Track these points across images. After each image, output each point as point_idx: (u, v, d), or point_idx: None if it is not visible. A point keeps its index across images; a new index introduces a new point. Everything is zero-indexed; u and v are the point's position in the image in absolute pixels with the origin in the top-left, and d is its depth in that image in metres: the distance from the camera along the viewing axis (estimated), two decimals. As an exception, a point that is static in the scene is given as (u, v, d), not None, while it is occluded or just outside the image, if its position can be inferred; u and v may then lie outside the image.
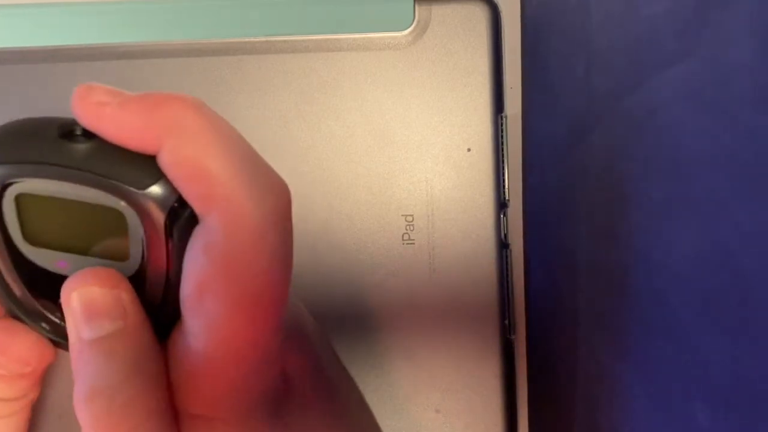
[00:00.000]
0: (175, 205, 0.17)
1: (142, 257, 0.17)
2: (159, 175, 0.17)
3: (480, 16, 0.27)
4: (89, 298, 0.17)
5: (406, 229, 0.28)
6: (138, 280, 0.18)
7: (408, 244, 0.28)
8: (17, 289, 0.18)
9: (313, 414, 0.19)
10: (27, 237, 0.17)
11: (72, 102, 0.17)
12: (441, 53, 0.27)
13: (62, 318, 0.18)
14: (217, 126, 0.17)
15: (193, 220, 0.17)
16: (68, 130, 0.17)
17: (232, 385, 0.17)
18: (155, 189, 0.17)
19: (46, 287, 0.18)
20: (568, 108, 0.26)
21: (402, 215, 0.28)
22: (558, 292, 0.28)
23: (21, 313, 0.18)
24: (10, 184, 0.17)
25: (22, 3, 0.29)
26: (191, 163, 0.16)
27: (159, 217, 0.17)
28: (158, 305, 0.18)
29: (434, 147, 0.27)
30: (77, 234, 0.18)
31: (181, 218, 0.17)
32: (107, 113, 0.16)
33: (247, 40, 0.27)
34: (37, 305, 0.18)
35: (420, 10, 0.27)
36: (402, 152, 0.27)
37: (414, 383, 0.28)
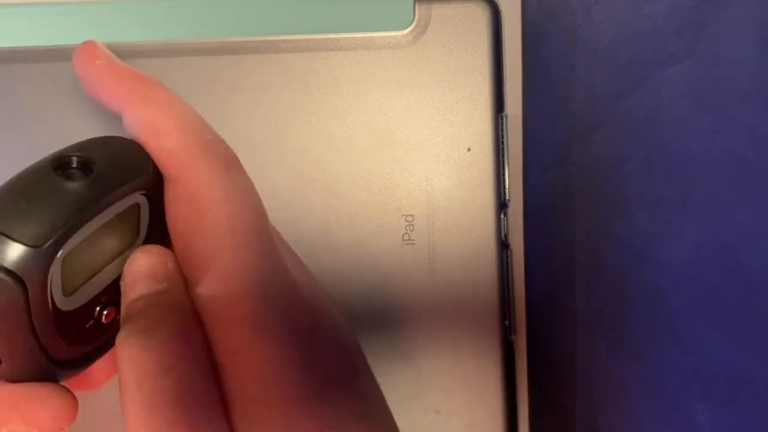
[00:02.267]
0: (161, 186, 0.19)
1: (147, 234, 0.19)
2: (150, 166, 0.19)
3: (480, 15, 0.27)
4: (148, 263, 0.19)
5: (406, 229, 0.27)
6: None
7: (408, 244, 0.27)
8: (56, 346, 0.18)
9: (346, 418, 0.19)
10: (65, 290, 0.18)
11: (76, 50, 0.20)
12: (441, 53, 0.27)
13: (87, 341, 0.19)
14: (176, 101, 0.20)
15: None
16: (63, 164, 0.17)
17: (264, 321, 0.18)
18: (155, 174, 0.19)
19: (78, 321, 0.18)
20: (568, 108, 0.26)
21: (402, 215, 0.27)
22: (558, 292, 0.27)
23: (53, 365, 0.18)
24: (56, 252, 0.17)
25: (22, 3, 0.29)
26: (151, 122, 0.19)
27: (159, 196, 0.19)
28: None
29: (434, 147, 0.27)
30: (104, 251, 0.19)
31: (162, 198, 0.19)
32: (96, 65, 0.20)
33: (247, 39, 0.27)
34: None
35: (420, 10, 0.27)
36: (402, 152, 0.27)
37: (414, 383, 0.28)
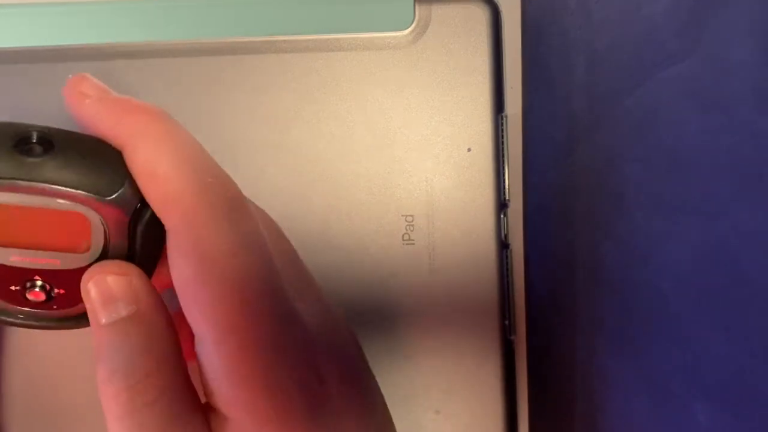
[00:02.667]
0: (138, 206, 0.18)
1: (104, 249, 0.19)
2: (122, 181, 0.18)
3: (480, 16, 0.27)
4: (104, 287, 0.18)
5: (406, 229, 0.27)
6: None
7: (408, 244, 0.27)
8: None
9: (348, 418, 0.19)
10: None
11: (64, 88, 0.19)
12: (441, 53, 0.27)
13: (18, 304, 0.19)
14: (176, 136, 0.18)
15: (155, 221, 0.18)
16: (24, 137, 0.18)
17: (256, 382, 0.18)
18: (118, 195, 0.18)
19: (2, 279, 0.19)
20: (568, 108, 0.26)
21: (402, 215, 0.27)
22: (558, 292, 0.27)
23: None
24: None
25: (22, 3, 0.29)
26: (148, 165, 0.18)
27: (123, 220, 0.18)
28: None
29: (434, 147, 0.27)
30: (36, 233, 0.18)
31: (143, 217, 0.19)
32: (86, 104, 0.19)
33: (247, 40, 0.27)
34: None
35: (420, 10, 0.27)
36: (402, 152, 0.27)
37: (414, 383, 0.28)
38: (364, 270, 0.28)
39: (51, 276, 0.19)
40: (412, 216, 0.27)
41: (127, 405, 0.17)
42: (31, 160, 0.17)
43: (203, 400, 0.19)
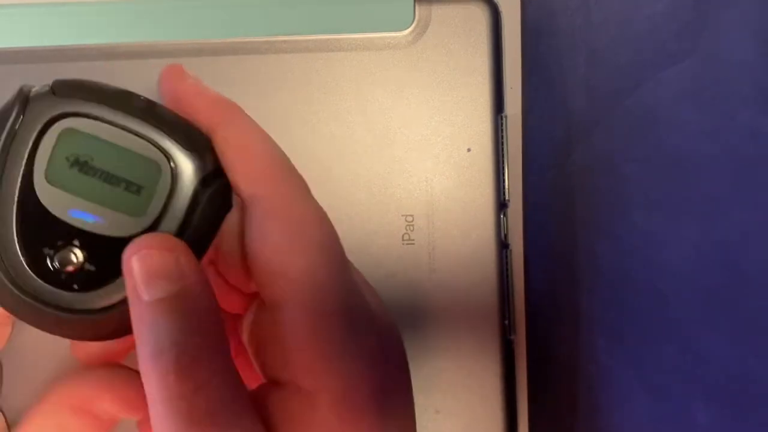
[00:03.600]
0: (209, 175, 0.19)
1: (158, 217, 0.19)
2: (203, 148, 0.19)
3: (480, 16, 0.27)
4: (148, 262, 0.18)
5: (406, 229, 0.27)
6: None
7: (408, 244, 0.27)
8: (7, 223, 0.18)
9: (402, 411, 0.20)
10: (49, 174, 0.18)
11: (162, 70, 0.21)
12: (441, 53, 0.27)
13: (38, 274, 0.18)
14: (260, 128, 0.20)
15: (222, 195, 0.19)
16: (131, 93, 0.19)
17: (336, 349, 0.18)
18: (199, 155, 0.19)
19: (36, 232, 0.18)
20: (568, 108, 0.26)
21: (402, 215, 0.27)
22: (558, 292, 0.28)
23: None
24: (62, 117, 0.18)
25: (22, 3, 0.29)
26: (242, 140, 0.19)
27: (195, 179, 0.19)
28: None
29: (434, 147, 0.27)
30: (100, 183, 0.18)
31: (210, 187, 0.19)
32: (188, 84, 0.20)
33: (247, 40, 0.27)
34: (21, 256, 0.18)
35: (420, 10, 0.27)
36: (402, 152, 0.27)
37: (414, 383, 0.28)
38: (364, 270, 0.27)
39: (88, 244, 0.18)
40: (412, 216, 0.27)
41: (175, 388, 0.17)
42: (137, 101, 0.19)
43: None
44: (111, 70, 0.27)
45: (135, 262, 0.18)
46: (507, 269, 0.28)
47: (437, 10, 0.27)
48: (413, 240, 0.27)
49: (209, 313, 0.18)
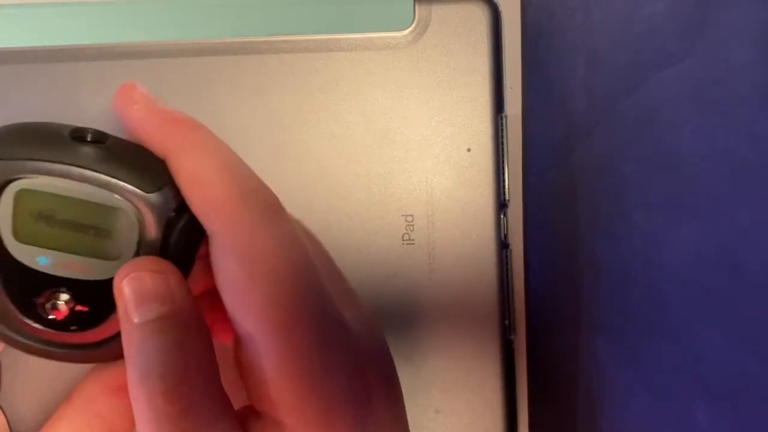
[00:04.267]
0: (173, 213, 0.19)
1: (135, 256, 0.19)
2: (162, 183, 0.19)
3: (480, 16, 0.27)
4: (139, 284, 0.18)
5: (406, 229, 0.28)
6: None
7: (408, 244, 0.27)
8: None
9: (388, 430, 0.20)
10: (16, 234, 0.18)
11: (115, 92, 0.20)
12: (441, 53, 0.27)
13: (37, 321, 0.19)
14: (217, 146, 0.19)
15: (191, 226, 0.19)
16: (79, 135, 0.18)
17: (306, 384, 0.18)
18: (159, 194, 0.19)
19: (22, 287, 0.19)
20: (568, 108, 0.26)
21: (402, 215, 0.27)
22: (558, 292, 0.28)
23: None
24: (13, 180, 0.18)
25: (22, 3, 0.29)
26: (193, 171, 0.18)
27: (160, 218, 0.19)
28: None
29: (434, 147, 0.27)
30: (69, 233, 0.18)
31: (178, 223, 0.19)
32: (134, 110, 0.19)
33: (247, 40, 0.27)
34: (11, 306, 0.19)
35: (420, 10, 0.27)
36: (402, 152, 0.27)
37: (414, 383, 0.28)
38: (364, 270, 0.28)
39: (75, 289, 0.19)
40: (412, 216, 0.27)
41: (162, 409, 0.17)
42: (84, 148, 0.18)
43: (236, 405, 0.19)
44: (111, 70, 0.27)
45: (126, 284, 0.18)
46: (507, 269, 0.28)
47: (437, 10, 0.27)
48: (413, 240, 0.27)
49: (198, 334, 0.18)
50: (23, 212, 0.18)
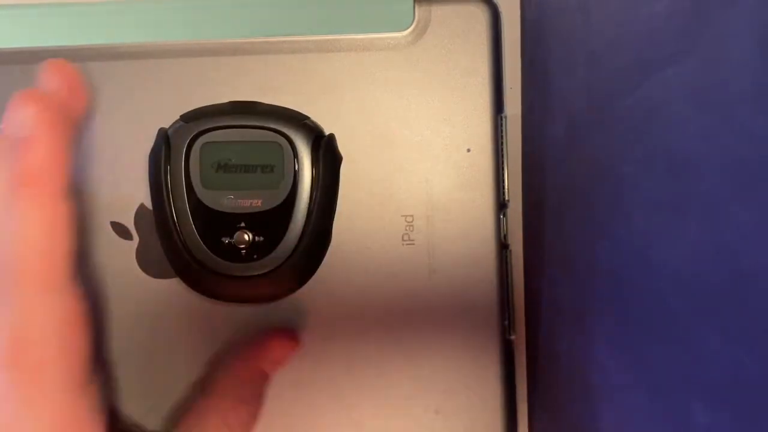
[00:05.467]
0: (317, 137, 0.25)
1: (294, 181, 0.24)
2: (303, 119, 0.26)
3: (480, 16, 0.27)
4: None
5: (406, 230, 0.28)
6: (288, 206, 0.24)
7: (408, 244, 0.28)
8: (189, 228, 0.24)
9: None
10: (204, 182, 0.24)
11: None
12: (441, 53, 0.27)
13: (226, 258, 0.25)
14: None
15: (330, 147, 0.26)
16: (236, 102, 0.26)
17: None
18: (302, 126, 0.25)
19: (213, 228, 0.24)
20: (568, 108, 0.26)
21: (402, 215, 0.28)
22: (558, 292, 0.28)
23: (185, 254, 0.25)
24: (198, 137, 0.25)
25: (22, 3, 0.29)
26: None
27: (307, 143, 0.25)
28: (305, 230, 0.25)
29: (434, 147, 0.28)
30: (243, 174, 0.24)
31: (320, 145, 0.25)
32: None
33: (247, 40, 0.27)
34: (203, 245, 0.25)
35: (420, 11, 0.27)
36: (402, 152, 0.27)
37: (414, 383, 0.28)
38: (364, 270, 0.28)
39: (253, 222, 0.24)
40: (412, 216, 0.28)
41: None
42: (245, 108, 0.26)
43: None
44: (111, 70, 0.27)
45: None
46: (507, 269, 0.28)
47: (437, 11, 0.27)
48: (413, 240, 0.27)
49: None
50: (207, 162, 0.24)
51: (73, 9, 0.28)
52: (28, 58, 0.27)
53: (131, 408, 0.28)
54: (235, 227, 0.24)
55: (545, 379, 0.29)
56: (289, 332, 0.27)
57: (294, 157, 0.24)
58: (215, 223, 0.24)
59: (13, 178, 0.20)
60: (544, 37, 0.28)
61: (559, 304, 0.27)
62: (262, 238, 0.24)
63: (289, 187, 0.24)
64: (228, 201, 0.24)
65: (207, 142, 0.24)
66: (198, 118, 0.25)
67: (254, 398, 0.26)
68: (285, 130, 0.25)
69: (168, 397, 0.27)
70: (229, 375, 0.26)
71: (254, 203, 0.24)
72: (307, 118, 0.26)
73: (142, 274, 0.27)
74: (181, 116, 0.25)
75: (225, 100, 0.27)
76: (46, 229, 0.20)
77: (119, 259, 0.27)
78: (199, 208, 0.24)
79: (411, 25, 0.27)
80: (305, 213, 0.24)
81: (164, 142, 0.25)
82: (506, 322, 0.28)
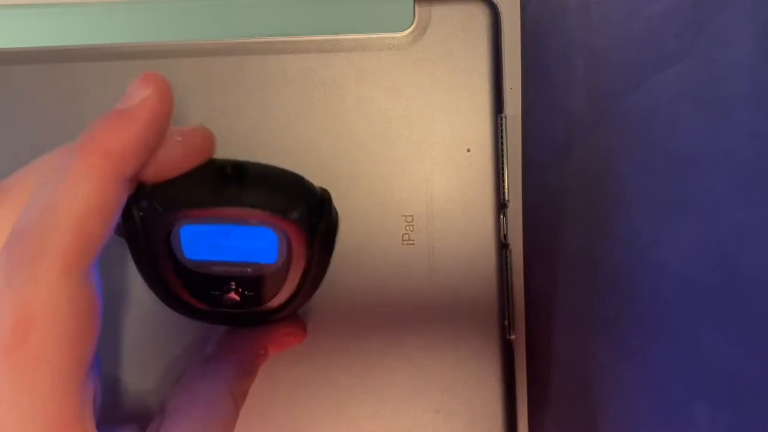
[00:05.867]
0: (313, 217, 0.22)
1: (287, 260, 0.22)
2: (298, 205, 0.22)
3: (480, 16, 0.27)
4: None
5: (406, 230, 0.28)
6: (280, 275, 0.23)
7: (408, 244, 0.28)
8: (181, 292, 0.23)
9: None
10: (187, 258, 0.22)
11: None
12: (441, 53, 0.27)
13: (212, 305, 0.23)
14: None
15: (328, 231, 0.22)
16: (222, 173, 0.21)
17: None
18: (296, 215, 0.21)
19: (202, 287, 0.23)
20: (568, 108, 0.26)
21: (402, 215, 0.28)
22: (557, 292, 0.28)
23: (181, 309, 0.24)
24: (175, 223, 0.21)
25: (22, 3, 0.29)
26: None
27: (301, 234, 0.22)
28: (298, 289, 0.23)
29: (434, 147, 0.28)
30: (231, 246, 0.22)
31: (317, 232, 0.22)
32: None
33: (247, 40, 0.27)
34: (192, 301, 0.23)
35: (420, 11, 0.27)
36: (402, 152, 0.27)
37: (414, 383, 0.28)
38: (364, 270, 0.28)
39: (243, 281, 0.23)
40: (412, 216, 0.28)
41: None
42: (229, 188, 0.21)
43: None
44: (111, 70, 0.27)
45: None
46: (507, 269, 0.28)
47: (437, 11, 0.27)
48: (413, 240, 0.27)
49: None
50: (189, 243, 0.22)
51: (73, 9, 0.28)
52: (29, 58, 0.27)
53: (131, 407, 0.28)
54: (224, 287, 0.23)
55: (545, 379, 0.29)
56: (301, 323, 0.27)
57: (286, 239, 0.22)
58: (204, 283, 0.23)
59: (86, 139, 0.18)
60: (544, 37, 0.28)
61: (560, 304, 0.27)
62: (252, 293, 0.23)
63: (284, 260, 0.22)
64: (216, 267, 0.22)
65: (187, 226, 0.22)
66: (173, 202, 0.21)
67: (253, 372, 0.25)
68: (279, 221, 0.21)
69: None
70: (236, 344, 0.25)
71: (243, 270, 0.23)
72: (304, 201, 0.22)
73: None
74: (152, 196, 0.21)
75: (225, 99, 0.27)
76: (95, 205, 0.18)
77: (119, 259, 0.27)
78: (185, 273, 0.23)
79: (411, 25, 0.27)
80: (300, 275, 0.23)
81: (141, 227, 0.21)
82: (506, 322, 0.28)
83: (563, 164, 0.27)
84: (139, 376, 0.28)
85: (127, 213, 0.21)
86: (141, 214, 0.21)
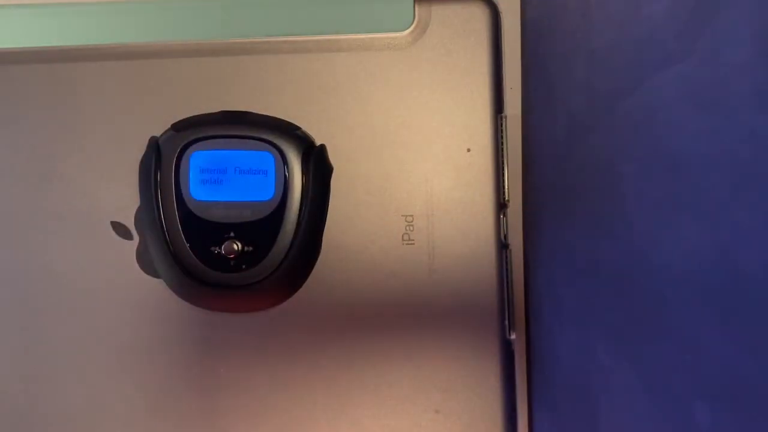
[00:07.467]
0: (307, 147, 0.25)
1: (284, 192, 0.24)
2: (294, 129, 0.25)
3: (480, 16, 0.27)
4: None
5: (406, 230, 0.28)
6: (277, 216, 0.24)
7: (408, 244, 0.28)
8: (178, 238, 0.25)
9: None
10: (193, 191, 0.24)
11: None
12: (441, 53, 0.27)
13: (214, 268, 0.25)
14: None
15: (321, 157, 0.25)
16: (227, 112, 0.25)
17: None
18: (293, 137, 0.24)
19: (202, 238, 0.25)
20: (568, 108, 0.26)
21: (402, 215, 0.28)
22: (558, 292, 0.28)
23: (173, 260, 0.25)
24: (188, 146, 0.24)
25: (22, 3, 0.29)
26: None
27: (298, 154, 0.24)
28: (294, 241, 0.25)
29: (434, 147, 0.28)
30: (234, 184, 0.24)
31: (311, 155, 0.25)
32: None
33: (247, 40, 0.27)
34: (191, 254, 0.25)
35: (420, 10, 0.27)
36: (402, 152, 0.27)
37: (414, 383, 0.28)
38: (364, 270, 0.28)
39: (242, 232, 0.24)
40: (412, 216, 0.28)
41: None
42: (236, 119, 0.25)
43: None
44: (111, 70, 0.27)
45: None
46: (507, 269, 0.28)
47: (437, 10, 0.27)
48: (413, 240, 0.27)
49: None
50: (197, 172, 0.24)
51: (73, 9, 0.28)
52: (29, 58, 0.27)
53: (130, 406, 0.28)
54: (224, 237, 0.24)
55: (545, 379, 0.29)
56: None
57: (284, 167, 0.25)
58: (204, 233, 0.24)
59: None
60: (544, 37, 0.28)
61: (560, 304, 0.27)
62: (251, 248, 0.24)
63: (280, 197, 0.24)
64: (217, 210, 0.24)
65: (197, 151, 0.25)
66: (188, 127, 0.25)
67: None
68: (275, 140, 0.25)
69: (167, 395, 0.27)
70: None
71: (244, 213, 0.24)
72: (299, 128, 0.26)
73: (142, 274, 0.27)
74: (172, 125, 0.25)
75: (225, 99, 0.27)
76: None
77: (119, 259, 0.27)
78: (188, 217, 0.24)
79: (411, 25, 0.27)
80: (295, 223, 0.24)
81: (154, 151, 0.25)
82: (506, 322, 0.28)
83: (563, 163, 0.27)
84: (137, 377, 0.28)
85: (151, 143, 0.25)
86: (162, 138, 0.25)
